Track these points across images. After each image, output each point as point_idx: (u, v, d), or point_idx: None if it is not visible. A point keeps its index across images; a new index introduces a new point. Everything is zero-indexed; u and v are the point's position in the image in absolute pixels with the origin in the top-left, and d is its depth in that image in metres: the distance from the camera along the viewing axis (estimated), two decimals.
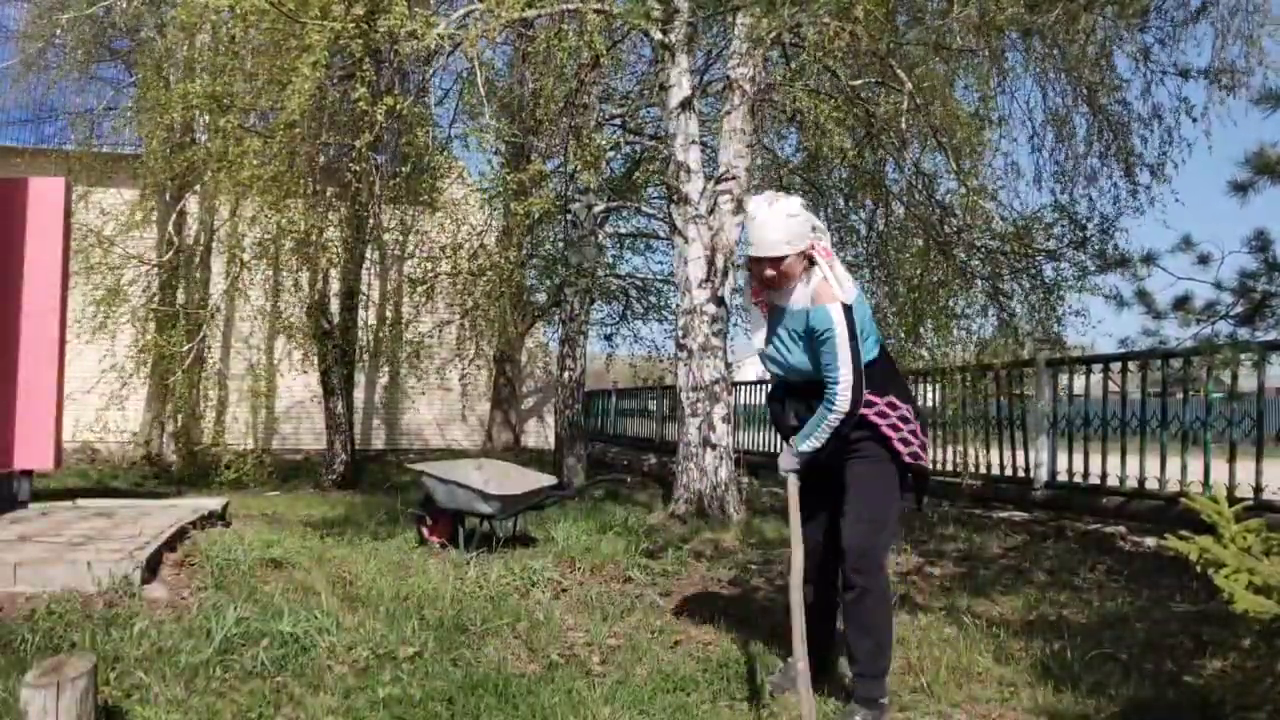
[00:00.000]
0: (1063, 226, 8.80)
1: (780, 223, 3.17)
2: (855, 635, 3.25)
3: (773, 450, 12.37)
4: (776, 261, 3.20)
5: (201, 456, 11.53)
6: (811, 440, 3.24)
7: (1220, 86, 6.72)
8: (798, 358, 3.32)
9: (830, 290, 3.17)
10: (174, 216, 12.01)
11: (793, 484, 3.35)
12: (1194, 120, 7.74)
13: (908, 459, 3.27)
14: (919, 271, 9.15)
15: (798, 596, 3.19)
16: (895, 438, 3.25)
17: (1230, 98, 6.99)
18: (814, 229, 3.25)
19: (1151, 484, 6.77)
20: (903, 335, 9.61)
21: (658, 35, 7.81)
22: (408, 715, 3.15)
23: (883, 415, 3.25)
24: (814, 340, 3.20)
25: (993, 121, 8.71)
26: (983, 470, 8.72)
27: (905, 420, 3.27)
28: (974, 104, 8.67)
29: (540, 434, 18.66)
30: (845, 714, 3.18)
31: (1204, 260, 4.00)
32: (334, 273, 11.05)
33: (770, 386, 3.67)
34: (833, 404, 3.15)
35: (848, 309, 3.15)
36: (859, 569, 3.23)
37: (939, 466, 9.31)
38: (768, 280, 3.27)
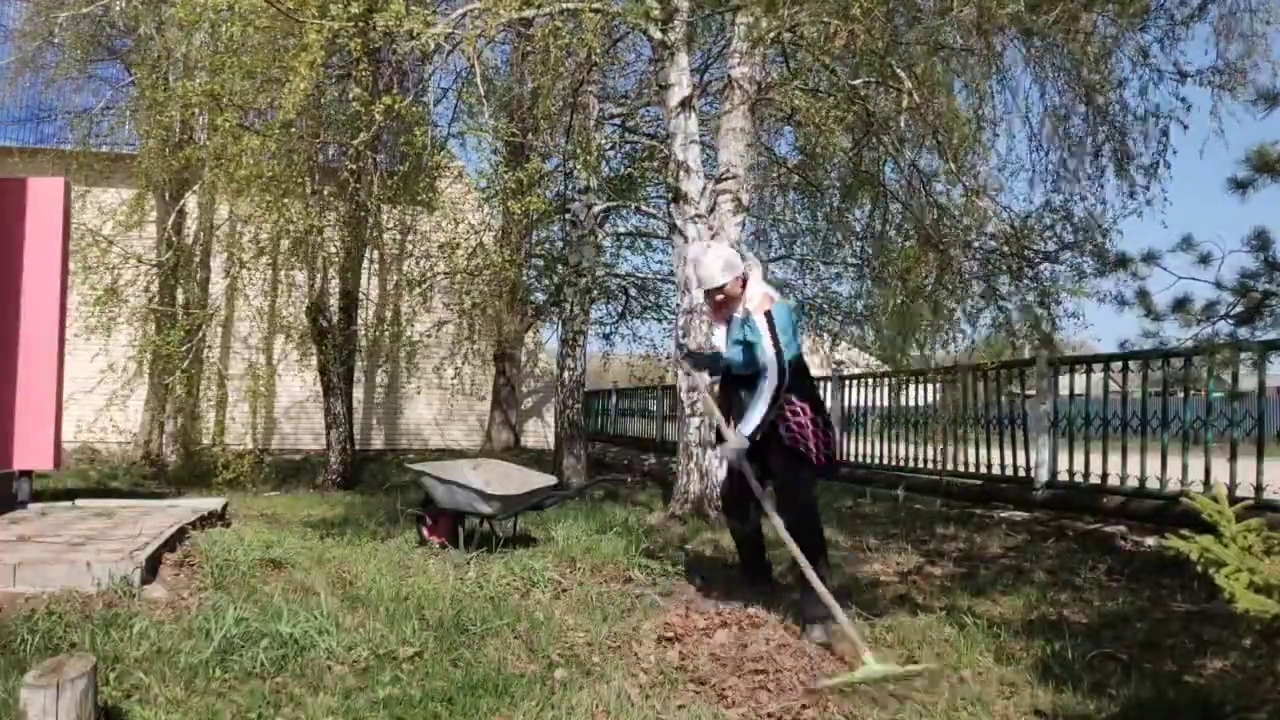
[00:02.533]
0: (1060, 227, 8.78)
1: (714, 259, 4.29)
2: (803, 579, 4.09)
3: None
4: (720, 289, 4.29)
5: (200, 457, 11.53)
6: (752, 417, 4.18)
7: (1220, 87, 6.70)
8: (735, 354, 4.38)
9: (759, 303, 4.23)
10: (173, 216, 12.00)
11: (746, 467, 4.27)
12: (1185, 128, 7.75)
13: (788, 441, 4.22)
14: (914, 270, 9.13)
15: (801, 557, 4.01)
16: (781, 426, 4.24)
17: (1231, 98, 6.97)
18: (744, 259, 4.40)
19: (1152, 484, 6.77)
20: (899, 335, 9.61)
21: (657, 35, 7.80)
22: (408, 715, 3.15)
23: (782, 418, 4.23)
24: (748, 339, 4.24)
25: (990, 122, 8.70)
26: (983, 470, 8.72)
27: (795, 414, 4.24)
28: (972, 104, 8.66)
29: (540, 434, 18.66)
30: (805, 634, 4.03)
31: (1204, 260, 3.99)
32: (332, 272, 11.04)
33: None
34: (765, 383, 4.14)
35: (768, 314, 4.18)
36: (794, 530, 4.11)
37: (939, 465, 9.32)
38: (718, 305, 4.39)
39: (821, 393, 12.16)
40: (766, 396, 4.14)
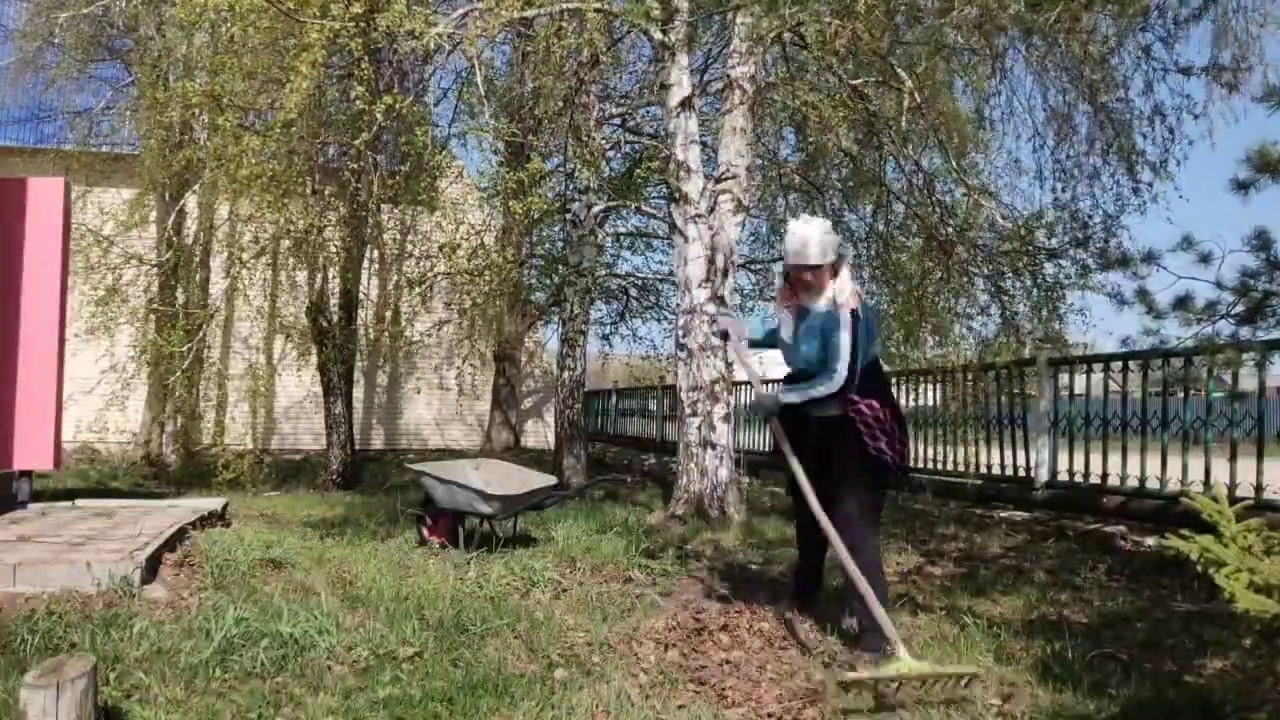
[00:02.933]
0: (1065, 225, 8.78)
1: (818, 237, 3.95)
2: (851, 589, 3.85)
3: (773, 450, 12.38)
4: (814, 269, 3.97)
5: (200, 457, 11.54)
6: (793, 395, 4.00)
7: (1222, 84, 6.68)
8: (808, 348, 4.06)
9: (849, 297, 3.94)
10: (173, 216, 12.01)
11: (776, 425, 4.15)
12: (1195, 118, 7.70)
13: (873, 452, 3.94)
14: (920, 271, 9.14)
15: (830, 531, 3.83)
16: (865, 433, 3.95)
17: (1232, 95, 6.95)
18: (839, 246, 4.05)
19: (1152, 484, 6.77)
20: (902, 335, 9.61)
21: (657, 35, 7.80)
22: (408, 715, 3.15)
23: (859, 413, 3.97)
24: (827, 335, 3.94)
25: (992, 121, 8.72)
26: (983, 469, 8.71)
27: (879, 420, 3.97)
28: (973, 103, 8.67)
29: (540, 434, 18.66)
30: (854, 656, 3.79)
31: (1205, 259, 3.98)
32: (332, 272, 11.05)
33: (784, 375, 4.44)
34: (826, 380, 3.90)
35: (855, 315, 3.89)
36: (846, 536, 3.85)
37: (940, 466, 9.32)
38: (805, 284, 4.03)
39: None
40: (820, 391, 3.88)
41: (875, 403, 3.96)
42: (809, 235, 3.95)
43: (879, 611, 3.66)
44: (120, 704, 3.10)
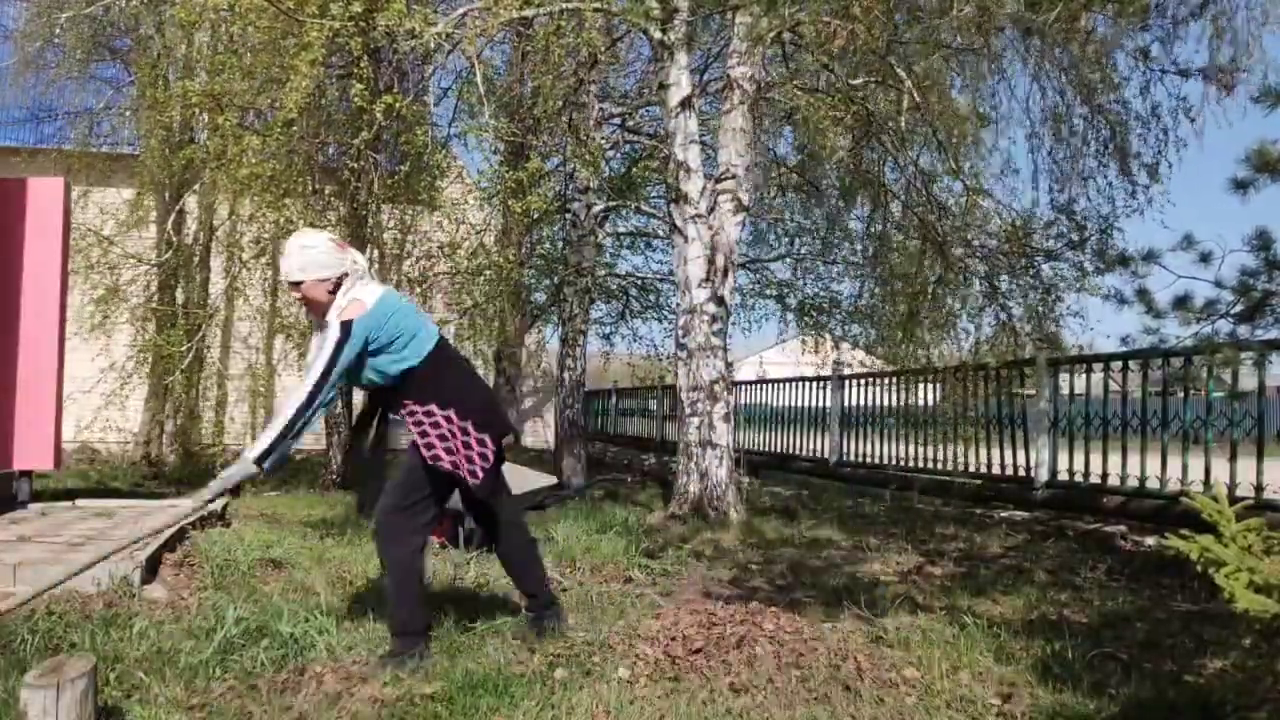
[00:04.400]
0: (1061, 226, 8.79)
1: (296, 254, 3.56)
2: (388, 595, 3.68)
3: (773, 450, 12.37)
4: (295, 285, 3.61)
5: (200, 457, 11.54)
6: (263, 438, 3.43)
7: (1219, 85, 6.68)
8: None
9: (344, 311, 3.54)
10: (173, 216, 12.01)
11: (201, 498, 3.66)
12: (1191, 120, 7.70)
13: (429, 460, 3.60)
14: (915, 270, 9.15)
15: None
16: (421, 442, 3.61)
17: (1227, 96, 6.95)
18: (354, 263, 3.63)
19: (1152, 483, 6.77)
20: (900, 334, 9.61)
21: (657, 35, 7.81)
22: (408, 715, 3.15)
23: (417, 422, 3.63)
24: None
25: (990, 120, 8.72)
26: (983, 469, 8.71)
27: (436, 426, 3.61)
28: (972, 103, 8.67)
29: (540, 434, 18.66)
30: (378, 664, 3.53)
31: (1205, 259, 3.99)
32: None
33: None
34: (296, 393, 3.47)
35: (346, 325, 3.49)
36: (380, 537, 3.66)
37: (939, 466, 9.32)
38: (304, 304, 3.70)
39: (821, 392, 12.08)
40: (287, 416, 3.41)
41: (435, 407, 3.61)
42: (290, 250, 3.60)
43: (404, 613, 3.57)
44: (120, 704, 3.10)
